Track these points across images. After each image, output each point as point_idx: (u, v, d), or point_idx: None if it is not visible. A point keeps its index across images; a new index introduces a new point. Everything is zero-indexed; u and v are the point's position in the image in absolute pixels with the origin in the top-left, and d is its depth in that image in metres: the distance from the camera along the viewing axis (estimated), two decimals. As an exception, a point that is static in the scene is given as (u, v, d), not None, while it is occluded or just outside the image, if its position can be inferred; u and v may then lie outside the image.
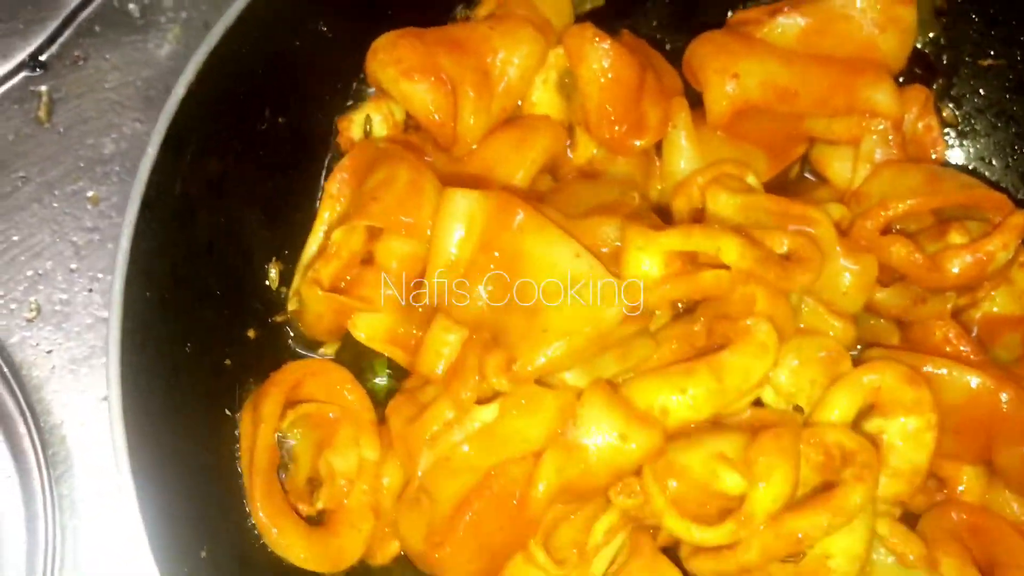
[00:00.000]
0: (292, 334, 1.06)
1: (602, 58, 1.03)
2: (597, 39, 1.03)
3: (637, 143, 1.05)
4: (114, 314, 0.86)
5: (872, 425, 0.97)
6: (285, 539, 0.97)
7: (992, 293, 1.06)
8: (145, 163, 0.88)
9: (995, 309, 1.07)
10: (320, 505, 1.01)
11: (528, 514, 0.91)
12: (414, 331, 1.01)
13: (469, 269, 0.93)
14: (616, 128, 1.05)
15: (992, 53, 1.14)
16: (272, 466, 0.98)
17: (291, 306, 1.05)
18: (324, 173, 1.09)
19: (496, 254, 0.92)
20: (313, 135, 1.09)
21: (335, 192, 1.04)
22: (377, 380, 1.08)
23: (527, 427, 0.90)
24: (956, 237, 1.02)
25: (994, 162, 1.17)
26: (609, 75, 1.03)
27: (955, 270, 1.00)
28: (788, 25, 1.08)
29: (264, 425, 0.96)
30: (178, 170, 0.92)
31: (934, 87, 1.17)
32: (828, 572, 0.92)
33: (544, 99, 1.08)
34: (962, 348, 1.04)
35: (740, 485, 0.89)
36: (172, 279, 0.93)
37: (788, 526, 0.89)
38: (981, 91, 1.16)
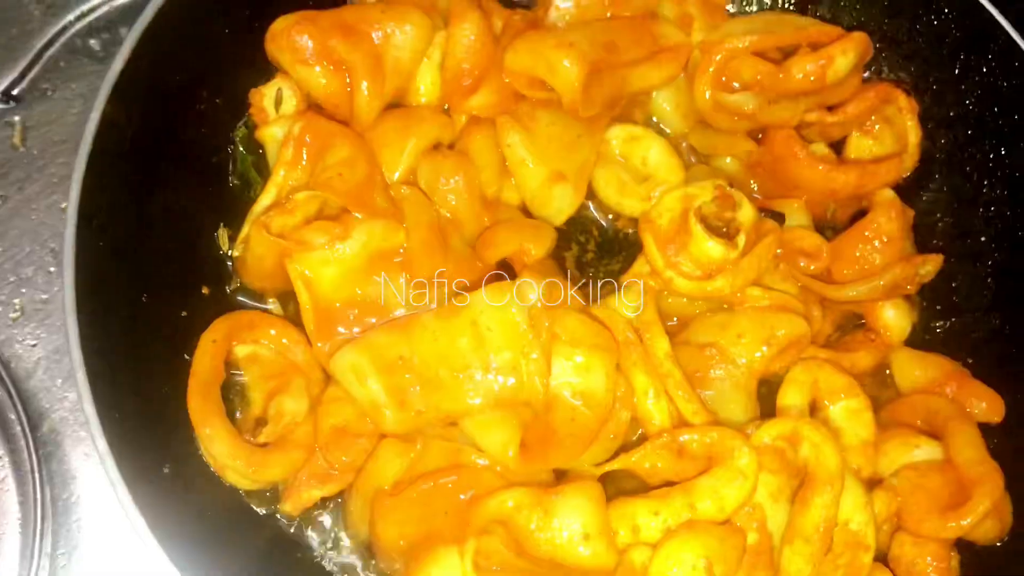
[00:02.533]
0: (238, 286, 1.14)
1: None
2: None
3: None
4: (67, 262, 0.94)
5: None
6: (214, 436, 1.02)
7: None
8: (91, 125, 0.99)
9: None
10: (262, 439, 1.07)
11: (471, 518, 0.98)
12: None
13: None
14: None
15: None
16: (214, 377, 1.05)
17: (236, 252, 1.13)
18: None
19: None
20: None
21: (289, 158, 1.09)
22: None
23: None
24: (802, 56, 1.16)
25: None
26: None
27: (799, 75, 1.14)
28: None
29: (209, 335, 1.04)
30: (129, 124, 1.04)
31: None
32: (854, 534, 1.04)
33: (429, 85, 1.18)
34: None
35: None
36: (125, 233, 1.02)
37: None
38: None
